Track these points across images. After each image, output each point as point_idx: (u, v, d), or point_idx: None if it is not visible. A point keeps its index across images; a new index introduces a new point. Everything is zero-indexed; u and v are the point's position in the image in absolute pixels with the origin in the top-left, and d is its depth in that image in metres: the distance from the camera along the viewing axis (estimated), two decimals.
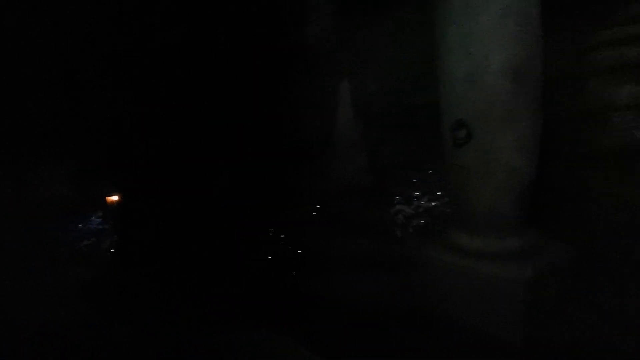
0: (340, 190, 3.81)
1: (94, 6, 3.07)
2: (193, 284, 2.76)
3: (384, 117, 3.66)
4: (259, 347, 2.10)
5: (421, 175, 3.13)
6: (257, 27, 3.80)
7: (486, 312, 2.03)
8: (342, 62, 3.90)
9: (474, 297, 2.08)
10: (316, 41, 3.86)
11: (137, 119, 3.35)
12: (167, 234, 3.26)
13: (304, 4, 4.09)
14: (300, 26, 3.89)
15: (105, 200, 3.46)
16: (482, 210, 2.10)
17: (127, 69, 3.35)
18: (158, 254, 3.11)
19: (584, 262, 2.15)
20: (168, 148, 3.42)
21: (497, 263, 2.03)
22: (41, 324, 2.21)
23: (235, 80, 3.74)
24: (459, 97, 2.07)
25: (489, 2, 1.90)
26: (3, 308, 2.23)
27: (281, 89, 3.96)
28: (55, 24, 2.71)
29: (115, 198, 3.46)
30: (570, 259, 2.13)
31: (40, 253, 2.54)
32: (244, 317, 2.33)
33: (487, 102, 1.97)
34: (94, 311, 2.43)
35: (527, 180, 2.05)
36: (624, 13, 2.56)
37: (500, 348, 1.93)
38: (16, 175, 2.41)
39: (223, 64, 3.69)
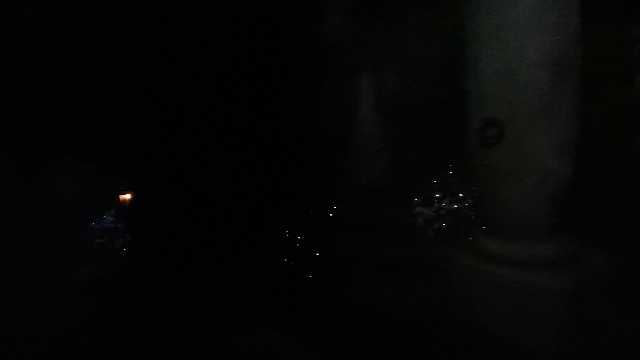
0: (361, 191, 3.72)
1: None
2: (212, 281, 2.76)
3: (406, 115, 3.54)
4: (271, 346, 2.08)
5: (444, 176, 2.99)
6: (277, 26, 3.77)
7: (517, 323, 1.90)
8: (362, 60, 3.80)
9: (504, 307, 1.96)
10: (336, 39, 3.78)
11: (157, 118, 3.39)
12: (181, 232, 3.28)
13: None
14: (319, 22, 3.81)
15: (118, 198, 3.49)
16: (514, 214, 1.97)
17: (151, 70, 3.39)
18: (170, 253, 3.13)
19: (629, 272, 1.98)
20: (188, 146, 3.44)
21: (529, 271, 1.90)
22: (50, 323, 2.24)
23: (255, 84, 3.73)
24: (490, 94, 1.95)
25: None
26: (15, 306, 2.27)
27: (303, 89, 3.91)
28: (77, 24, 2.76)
29: (128, 196, 3.48)
30: (614, 269, 1.97)
31: (53, 252, 2.59)
32: (257, 317, 2.32)
33: (521, 98, 1.84)
34: (102, 310, 2.46)
35: (564, 183, 1.91)
36: None
37: None
38: (28, 174, 2.47)
39: (244, 67, 3.68)
